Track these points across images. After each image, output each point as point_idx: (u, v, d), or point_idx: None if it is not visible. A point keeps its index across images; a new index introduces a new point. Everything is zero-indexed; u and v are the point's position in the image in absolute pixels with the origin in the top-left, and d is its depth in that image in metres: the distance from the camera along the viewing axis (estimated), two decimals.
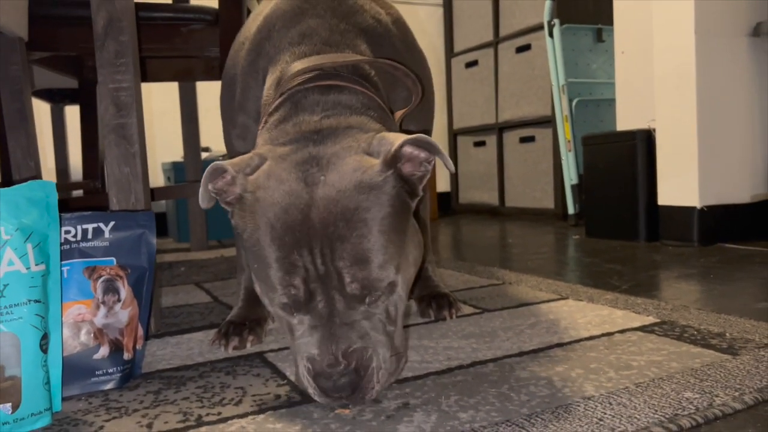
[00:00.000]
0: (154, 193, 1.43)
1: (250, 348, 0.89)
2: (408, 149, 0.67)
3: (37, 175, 1.22)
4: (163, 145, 2.77)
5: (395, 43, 0.93)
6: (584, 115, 2.58)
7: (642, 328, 0.91)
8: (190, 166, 2.12)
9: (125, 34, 0.98)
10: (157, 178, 2.76)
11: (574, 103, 2.53)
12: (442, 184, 3.47)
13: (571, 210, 2.44)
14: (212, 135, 2.46)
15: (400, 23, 0.98)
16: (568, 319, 0.97)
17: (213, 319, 1.09)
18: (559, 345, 0.84)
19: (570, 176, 2.45)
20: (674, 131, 1.78)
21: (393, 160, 0.66)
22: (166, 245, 2.38)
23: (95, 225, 0.78)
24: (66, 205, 1.68)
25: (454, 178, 3.45)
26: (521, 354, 0.81)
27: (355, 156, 0.66)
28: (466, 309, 1.06)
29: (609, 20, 2.34)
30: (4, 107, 1.19)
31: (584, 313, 1.01)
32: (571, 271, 1.51)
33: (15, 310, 0.63)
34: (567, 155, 2.45)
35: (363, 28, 0.87)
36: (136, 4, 1.14)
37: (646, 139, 1.86)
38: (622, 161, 1.92)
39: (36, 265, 0.66)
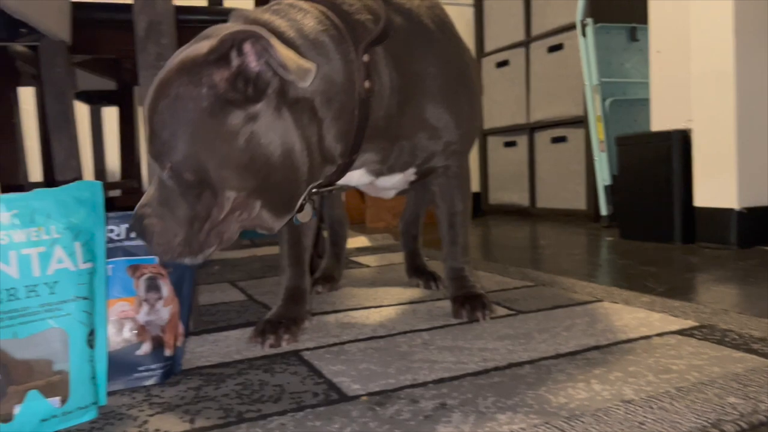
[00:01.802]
0: None
1: (286, 346, 0.90)
2: (234, 35, 0.69)
3: (79, 176, 1.25)
4: None
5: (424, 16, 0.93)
6: (617, 115, 2.54)
7: (681, 332, 0.89)
8: None
9: (165, 37, 1.00)
10: None
11: (607, 103, 2.50)
12: (472, 184, 3.45)
13: (603, 211, 2.42)
14: None
15: (438, 8, 0.99)
16: (605, 322, 0.96)
17: (249, 317, 1.10)
18: (597, 348, 0.83)
19: (603, 177, 2.42)
20: (712, 131, 1.75)
21: (220, 45, 0.69)
22: None
23: None
24: (111, 204, 1.72)
25: (484, 178, 3.43)
26: (558, 356, 0.80)
27: (203, 43, 0.72)
28: (500, 310, 1.06)
29: (643, 19, 2.31)
30: (48, 109, 1.23)
31: (620, 316, 1.00)
32: (606, 273, 1.49)
33: (64, 307, 0.65)
34: (600, 156, 2.42)
35: None
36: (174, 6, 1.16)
37: (682, 139, 1.83)
38: (658, 162, 1.89)
39: (84, 262, 0.68)
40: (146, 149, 0.76)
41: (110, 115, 2.43)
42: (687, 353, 0.79)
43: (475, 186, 3.48)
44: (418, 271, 1.31)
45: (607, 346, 0.84)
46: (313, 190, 0.88)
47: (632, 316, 0.99)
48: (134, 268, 0.79)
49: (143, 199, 0.77)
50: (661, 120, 2.04)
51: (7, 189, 1.35)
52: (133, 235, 0.79)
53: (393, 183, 1.00)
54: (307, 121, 0.77)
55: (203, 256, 0.76)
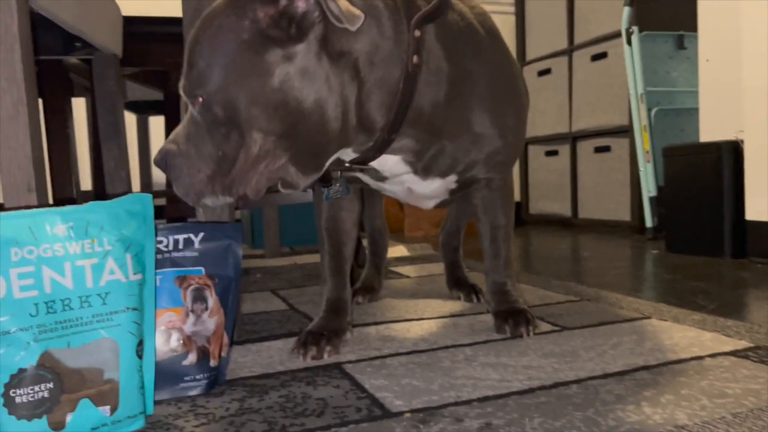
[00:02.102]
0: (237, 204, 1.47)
1: (328, 359, 0.91)
2: None
3: (128, 185, 1.28)
4: None
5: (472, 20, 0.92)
6: (664, 124, 2.49)
7: (735, 353, 0.86)
8: None
9: None
10: None
11: (653, 113, 2.44)
12: None
13: (649, 223, 2.36)
14: None
15: (485, 16, 0.98)
16: (653, 340, 0.94)
17: (290, 327, 1.11)
18: (646, 368, 0.81)
19: (648, 188, 2.36)
20: (765, 142, 1.69)
21: None
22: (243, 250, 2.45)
23: (186, 236, 0.81)
24: (159, 213, 1.76)
25: (525, 188, 3.40)
26: (605, 376, 0.78)
27: None
28: (544, 326, 1.04)
29: (691, 26, 2.25)
30: (100, 120, 1.26)
31: (670, 334, 0.97)
32: (652, 288, 1.45)
33: (115, 317, 0.66)
34: (645, 166, 2.37)
35: None
36: None
37: (733, 150, 1.78)
38: (707, 174, 1.84)
39: (134, 274, 0.69)
40: (180, 85, 0.76)
41: (157, 124, 2.49)
42: (742, 376, 0.77)
43: (515, 195, 3.44)
44: (459, 284, 1.30)
45: (657, 367, 0.81)
46: (347, 163, 0.86)
47: (682, 334, 0.96)
48: (181, 279, 0.80)
49: (171, 136, 0.77)
50: (710, 130, 1.99)
51: (60, 202, 1.39)
52: (180, 247, 0.80)
53: (432, 190, 0.97)
54: (347, 78, 0.75)
55: (225, 200, 0.76)
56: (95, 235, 0.66)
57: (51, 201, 1.42)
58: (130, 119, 2.56)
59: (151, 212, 0.72)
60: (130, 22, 1.36)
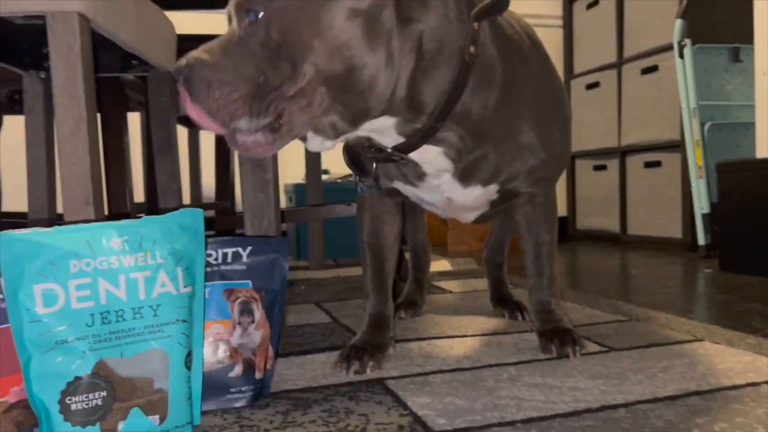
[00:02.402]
0: (283, 216, 1.49)
1: (370, 374, 0.91)
2: None
3: (180, 198, 1.32)
4: (287, 167, 2.89)
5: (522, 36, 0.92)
6: (717, 139, 2.41)
7: None
8: (311, 189, 2.21)
9: None
10: (280, 199, 2.89)
11: (706, 127, 2.38)
12: (559, 208, 3.36)
13: (701, 241, 2.29)
14: (332, 159, 2.55)
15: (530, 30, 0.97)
16: (706, 364, 0.91)
17: (334, 340, 1.12)
18: (698, 393, 0.79)
19: (701, 204, 2.29)
20: None
21: None
22: None
23: (234, 249, 0.83)
24: (210, 224, 1.80)
25: (572, 202, 3.34)
26: (655, 400, 0.76)
27: None
28: (591, 346, 1.02)
29: (747, 39, 2.19)
30: (153, 135, 1.31)
31: (723, 358, 0.93)
32: (705, 308, 1.41)
33: (165, 329, 0.68)
34: (698, 182, 2.30)
35: None
36: None
37: None
38: (763, 191, 1.78)
39: (184, 287, 0.71)
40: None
41: (208, 137, 2.55)
42: None
43: (562, 210, 3.39)
44: (503, 301, 1.28)
45: (710, 392, 0.79)
46: (389, 149, 0.83)
47: (737, 359, 0.93)
48: (229, 292, 0.82)
49: (202, 48, 0.71)
50: (767, 146, 1.92)
51: (114, 214, 1.44)
52: (228, 260, 0.82)
53: (473, 200, 0.95)
54: (408, 48, 0.75)
55: (260, 123, 0.70)
56: (148, 249, 0.68)
57: (106, 212, 1.47)
58: (182, 132, 2.63)
59: (202, 227, 0.74)
60: (183, 39, 1.40)
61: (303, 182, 2.47)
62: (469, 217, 1.03)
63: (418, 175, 0.90)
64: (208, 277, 0.80)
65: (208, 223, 1.57)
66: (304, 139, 0.77)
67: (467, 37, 0.79)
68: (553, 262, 1.03)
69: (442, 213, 1.04)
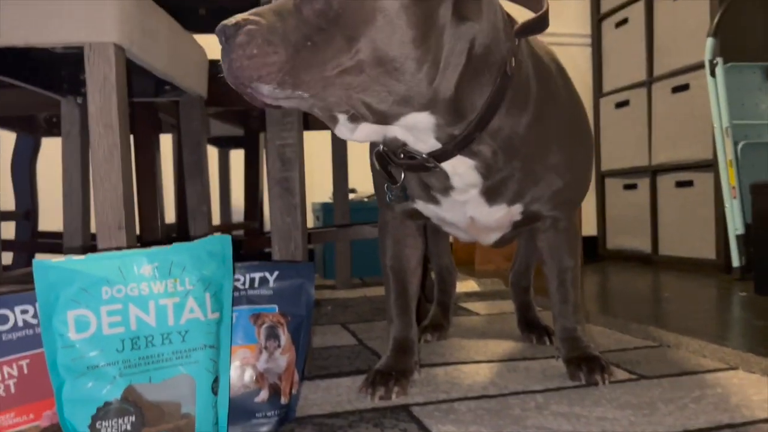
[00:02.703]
0: (310, 237, 1.51)
1: (395, 399, 0.91)
2: None
3: (209, 220, 1.34)
4: (314, 186, 2.92)
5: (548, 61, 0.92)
6: (752, 159, 2.36)
7: None
8: (339, 208, 2.23)
9: None
10: (307, 218, 2.91)
11: (739, 147, 2.33)
12: (589, 228, 3.33)
13: (735, 263, 2.24)
14: (358, 178, 2.56)
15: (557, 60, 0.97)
16: (740, 395, 0.88)
17: (359, 364, 1.12)
18: (731, 426, 0.77)
19: (735, 226, 2.25)
20: None
21: None
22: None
23: (262, 274, 0.84)
24: (238, 246, 1.82)
25: (602, 222, 3.30)
26: None
27: None
28: (620, 374, 1.00)
29: None
30: (185, 158, 1.34)
31: (758, 389, 0.91)
32: (740, 335, 1.37)
33: (193, 354, 0.69)
34: (732, 203, 2.25)
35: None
36: None
37: None
38: None
39: (212, 312, 0.72)
40: None
41: (237, 158, 2.60)
42: None
43: (592, 229, 3.35)
44: (531, 325, 1.27)
45: (744, 425, 0.77)
46: (424, 155, 0.81)
47: None
48: (256, 317, 0.83)
49: (252, 10, 0.69)
50: None
51: (145, 232, 1.47)
52: (256, 285, 0.83)
53: (496, 219, 0.94)
54: (459, 49, 0.74)
55: (278, 96, 0.68)
56: (178, 275, 0.69)
57: (137, 232, 1.51)
58: (212, 153, 2.68)
59: (230, 253, 0.76)
60: (214, 65, 1.43)
61: (330, 201, 2.49)
62: (491, 238, 1.02)
63: (444, 189, 0.88)
64: (235, 301, 0.81)
65: (237, 245, 1.60)
66: (332, 121, 0.75)
67: (510, 50, 0.80)
68: (578, 287, 1.02)
69: (462, 235, 1.03)
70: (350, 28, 0.67)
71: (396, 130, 0.79)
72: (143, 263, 0.68)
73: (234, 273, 0.83)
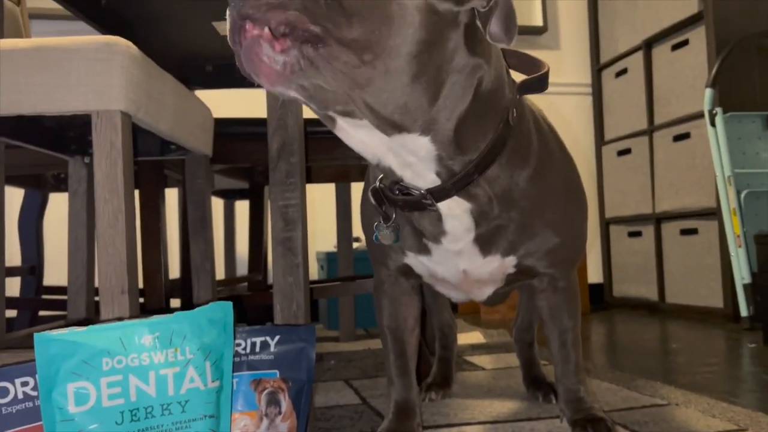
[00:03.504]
0: (313, 292, 1.51)
1: None
2: None
3: (213, 276, 1.35)
4: (318, 235, 2.93)
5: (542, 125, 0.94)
6: (755, 207, 2.37)
7: None
8: (343, 258, 2.23)
9: (295, 156, 1.08)
10: (312, 266, 2.92)
11: (742, 195, 2.33)
12: (594, 275, 3.32)
13: (743, 312, 2.21)
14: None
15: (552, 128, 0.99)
16: None
17: (362, 425, 1.10)
18: None
19: (741, 274, 2.23)
20: None
21: None
22: (317, 332, 2.48)
23: (263, 339, 0.84)
24: (237, 305, 1.82)
25: (607, 269, 3.28)
26: None
27: None
28: None
29: None
30: (189, 215, 1.35)
31: None
32: (749, 391, 1.35)
33: (192, 425, 0.69)
34: (737, 251, 2.24)
35: None
36: (304, 119, 1.26)
37: None
38: None
39: (212, 381, 0.72)
40: None
41: (242, 208, 2.62)
42: None
43: (598, 277, 3.33)
44: (536, 382, 1.25)
45: None
46: (422, 191, 0.80)
47: None
48: (257, 383, 0.82)
49: None
50: None
51: (148, 287, 1.48)
52: (257, 350, 0.83)
53: (489, 272, 0.92)
54: (466, 83, 0.74)
55: (274, 56, 0.63)
56: (178, 345, 0.70)
57: (141, 285, 1.51)
58: (218, 204, 2.71)
59: (231, 320, 0.76)
60: (219, 123, 1.46)
61: (335, 251, 2.50)
62: (484, 293, 1.00)
63: (436, 234, 0.87)
64: (236, 367, 0.81)
65: (239, 301, 1.59)
66: (330, 121, 0.74)
67: (512, 101, 0.82)
68: (579, 347, 1.01)
69: (455, 294, 1.03)
70: (365, 13, 0.64)
71: (394, 161, 0.78)
72: (144, 333, 0.68)
73: (235, 337, 0.83)
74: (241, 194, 2.40)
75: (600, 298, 3.30)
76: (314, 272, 2.92)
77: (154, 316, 0.70)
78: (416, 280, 1.00)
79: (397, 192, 0.83)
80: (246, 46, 0.64)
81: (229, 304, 0.76)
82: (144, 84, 0.96)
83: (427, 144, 0.76)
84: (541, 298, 0.99)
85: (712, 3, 2.52)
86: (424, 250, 0.91)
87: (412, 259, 0.94)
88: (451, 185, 0.80)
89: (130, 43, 0.93)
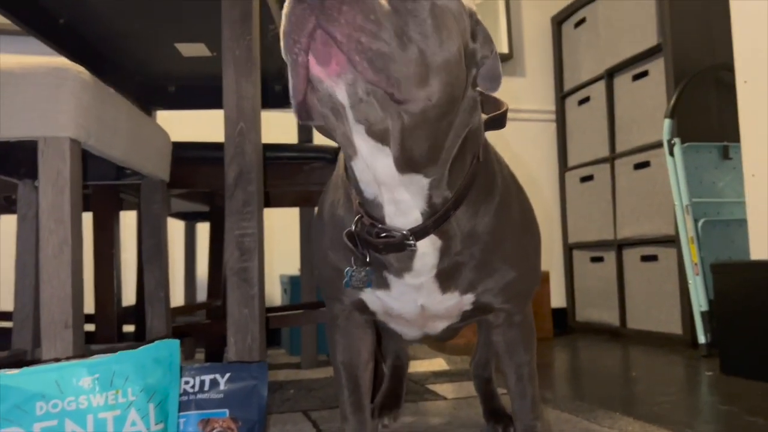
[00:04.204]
0: (269, 321, 1.47)
1: None
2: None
3: (167, 305, 1.31)
4: (282, 257, 2.89)
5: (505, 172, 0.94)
6: (712, 236, 2.42)
7: None
8: (306, 282, 2.20)
9: (253, 185, 1.06)
10: (275, 290, 2.87)
11: (700, 224, 2.39)
12: (557, 300, 3.34)
13: (701, 339, 2.25)
14: None
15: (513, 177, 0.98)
16: None
17: None
18: None
19: (699, 302, 2.27)
20: None
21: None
22: (279, 358, 2.43)
23: (212, 376, 0.81)
24: (194, 333, 1.78)
25: (570, 294, 3.31)
26: None
27: None
28: None
29: (735, 137, 2.24)
30: (144, 242, 1.31)
31: None
32: (705, 422, 1.36)
33: None
34: (695, 279, 2.28)
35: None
36: (264, 144, 1.24)
37: None
38: (759, 294, 1.76)
39: (156, 424, 0.69)
40: None
41: (204, 229, 2.58)
42: None
43: (560, 301, 3.36)
44: (495, 415, 1.24)
45: None
46: (404, 232, 0.79)
47: None
48: (205, 422, 0.79)
49: None
50: (760, 248, 1.92)
51: (100, 315, 1.43)
52: (206, 388, 0.80)
53: (447, 308, 0.91)
54: (465, 118, 0.76)
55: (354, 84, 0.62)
56: (120, 386, 0.66)
57: (92, 312, 1.46)
58: (178, 225, 2.66)
59: (178, 358, 0.73)
60: (178, 146, 1.43)
61: (298, 274, 2.47)
62: (438, 327, 0.99)
63: (401, 270, 0.85)
64: (183, 406, 0.78)
65: (195, 331, 1.55)
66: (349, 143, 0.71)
67: (483, 138, 0.84)
68: (535, 381, 1.00)
69: (408, 331, 1.00)
70: (441, 67, 0.65)
71: (386, 196, 0.76)
72: (83, 375, 0.65)
73: (183, 375, 0.80)
74: (203, 216, 2.36)
75: (563, 322, 3.32)
76: (277, 296, 2.88)
77: (96, 356, 0.67)
78: (370, 315, 0.98)
79: (377, 235, 0.80)
80: (336, 28, 0.59)
81: (176, 342, 0.73)
82: (96, 110, 0.93)
83: (425, 183, 0.75)
84: (497, 333, 0.98)
85: (670, 36, 2.60)
86: (383, 285, 0.89)
87: (368, 295, 0.92)
88: (432, 223, 0.79)
89: (81, 68, 0.91)
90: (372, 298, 0.92)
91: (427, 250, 0.83)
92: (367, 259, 0.84)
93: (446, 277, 0.86)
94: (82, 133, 0.90)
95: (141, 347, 0.70)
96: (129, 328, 1.74)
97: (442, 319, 0.95)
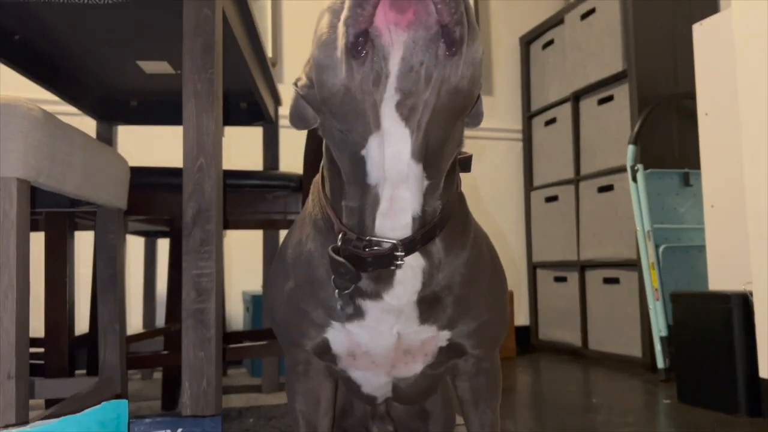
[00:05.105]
0: (226, 353, 1.44)
1: None
2: None
3: (121, 337, 1.27)
4: (245, 273, 2.85)
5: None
6: (672, 261, 2.47)
7: None
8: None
9: (211, 223, 1.03)
10: (237, 307, 2.82)
11: (660, 250, 2.43)
12: (522, 318, 3.37)
13: (660, 364, 2.29)
14: None
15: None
16: None
17: None
18: None
19: (659, 327, 2.31)
20: None
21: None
22: (240, 379, 2.39)
23: None
24: (147, 363, 1.73)
25: (534, 312, 3.34)
26: None
27: None
28: None
29: (696, 164, 2.29)
30: (98, 272, 1.27)
31: None
32: None
33: None
34: (655, 305, 2.32)
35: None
36: (226, 171, 1.21)
37: (743, 303, 1.74)
38: (716, 324, 1.79)
39: None
40: None
41: (165, 245, 2.52)
42: None
43: (524, 319, 3.39)
44: None
45: None
46: (396, 242, 0.77)
47: None
48: None
49: None
50: (719, 279, 1.96)
51: (52, 348, 1.37)
52: None
53: (423, 340, 0.88)
54: (463, 125, 0.79)
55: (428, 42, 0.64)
56: None
57: (43, 347, 1.40)
58: (138, 241, 2.59)
59: (126, 420, 0.70)
60: (137, 172, 1.39)
61: (260, 293, 2.43)
62: (411, 370, 0.95)
63: (380, 290, 0.82)
64: None
65: (152, 361, 1.50)
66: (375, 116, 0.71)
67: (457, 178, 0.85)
68: (497, 429, 0.99)
69: (373, 378, 0.98)
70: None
71: (387, 189, 0.74)
72: None
73: (134, 430, 0.77)
74: (163, 233, 2.31)
75: (526, 340, 3.35)
76: (239, 314, 2.83)
77: (38, 422, 0.63)
78: (330, 362, 0.95)
79: (364, 247, 0.77)
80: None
81: (124, 402, 0.70)
82: (47, 147, 0.90)
83: (425, 184, 0.75)
84: (464, 380, 0.97)
85: (635, 62, 2.64)
86: (357, 314, 0.86)
87: (335, 332, 0.89)
88: (420, 237, 0.78)
89: (32, 105, 0.87)
90: (339, 335, 0.88)
91: (413, 266, 0.81)
92: (361, 277, 0.80)
93: (427, 306, 0.84)
94: (32, 173, 0.86)
95: (85, 411, 0.67)
96: (82, 358, 1.68)
97: (417, 357, 0.92)
